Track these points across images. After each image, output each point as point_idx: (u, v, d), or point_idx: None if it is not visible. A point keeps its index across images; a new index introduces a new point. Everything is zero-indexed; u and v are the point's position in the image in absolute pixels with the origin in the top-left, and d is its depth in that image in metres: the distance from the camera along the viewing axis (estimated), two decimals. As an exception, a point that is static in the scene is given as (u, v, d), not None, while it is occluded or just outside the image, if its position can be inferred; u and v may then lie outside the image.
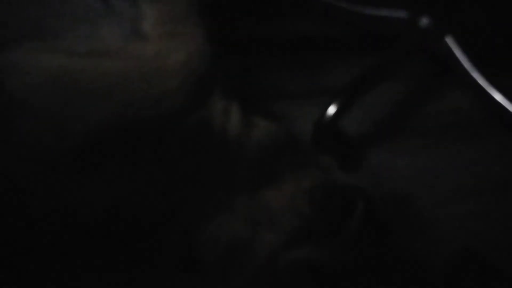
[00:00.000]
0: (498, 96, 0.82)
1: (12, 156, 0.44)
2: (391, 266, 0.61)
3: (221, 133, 0.49)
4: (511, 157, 0.81)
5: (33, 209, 0.48)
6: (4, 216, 0.47)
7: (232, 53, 0.87)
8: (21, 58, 0.44)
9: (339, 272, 0.53)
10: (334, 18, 0.92)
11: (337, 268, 0.52)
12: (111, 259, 0.54)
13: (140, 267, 0.56)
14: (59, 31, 0.46)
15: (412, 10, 0.87)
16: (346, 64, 0.91)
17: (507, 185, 0.78)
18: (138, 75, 0.44)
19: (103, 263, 0.53)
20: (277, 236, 0.50)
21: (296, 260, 0.51)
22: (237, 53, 0.90)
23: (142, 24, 0.45)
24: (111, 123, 0.43)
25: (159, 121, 0.45)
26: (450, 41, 0.86)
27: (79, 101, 0.43)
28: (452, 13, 0.87)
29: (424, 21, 0.86)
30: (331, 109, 0.78)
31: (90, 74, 0.43)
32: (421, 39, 0.86)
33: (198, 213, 0.51)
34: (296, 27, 0.95)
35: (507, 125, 0.82)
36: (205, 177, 0.50)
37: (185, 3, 0.46)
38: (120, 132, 0.44)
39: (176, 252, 0.55)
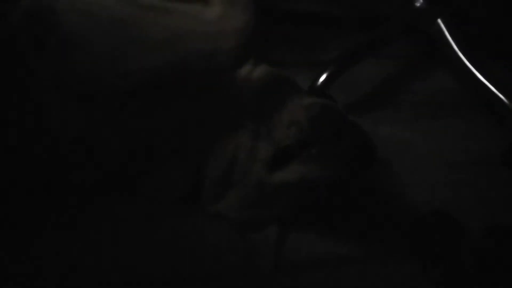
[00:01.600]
0: (482, 78, 0.87)
1: (67, 90, 0.50)
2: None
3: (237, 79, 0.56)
4: (489, 135, 0.86)
5: (73, 144, 0.54)
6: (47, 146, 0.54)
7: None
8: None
9: (329, 186, 0.58)
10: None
11: (328, 183, 0.57)
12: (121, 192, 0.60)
13: (144, 198, 0.62)
14: None
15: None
16: (341, 40, 0.96)
17: (482, 160, 0.82)
18: (199, 33, 0.52)
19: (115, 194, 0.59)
20: (271, 146, 0.56)
21: (290, 179, 0.56)
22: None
23: None
24: (167, 71, 0.51)
25: (207, 73, 0.53)
26: (441, 23, 0.90)
27: (140, 47, 0.50)
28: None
29: (419, 1, 0.90)
30: (322, 77, 0.83)
31: (154, 25, 0.51)
32: (414, 18, 0.91)
33: (207, 146, 0.57)
34: (297, 4, 1.00)
35: (490, 105, 0.86)
36: (217, 113, 0.56)
37: None
38: (172, 79, 0.52)
39: (180, 185, 0.60)
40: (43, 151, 0.55)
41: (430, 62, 0.96)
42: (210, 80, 0.55)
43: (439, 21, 0.90)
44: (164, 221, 0.66)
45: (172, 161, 0.60)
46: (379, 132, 0.84)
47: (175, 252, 0.64)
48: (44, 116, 0.53)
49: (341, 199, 0.66)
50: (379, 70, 0.94)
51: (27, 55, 0.51)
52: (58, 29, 0.49)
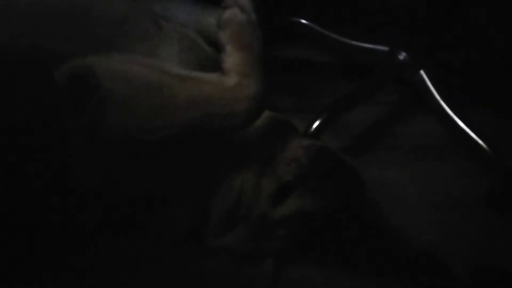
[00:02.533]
0: (462, 124, 0.94)
1: (98, 143, 0.56)
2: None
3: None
4: (469, 178, 0.92)
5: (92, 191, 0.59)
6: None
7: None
8: (116, 65, 0.58)
9: (326, 220, 0.64)
10: (324, 46, 1.05)
11: (325, 217, 0.63)
12: (125, 233, 0.65)
13: (148, 240, 0.66)
14: (129, 46, 0.62)
15: (393, 45, 1.00)
16: (331, 88, 1.03)
17: (464, 201, 0.88)
18: (218, 99, 0.60)
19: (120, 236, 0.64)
20: (274, 182, 0.62)
21: (289, 211, 0.62)
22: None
23: (224, 62, 0.63)
24: (188, 128, 0.59)
25: (221, 132, 0.61)
26: (424, 74, 0.98)
27: (168, 109, 0.58)
28: (427, 51, 1.00)
29: (402, 55, 0.98)
30: (316, 124, 0.89)
31: (180, 91, 0.58)
32: (398, 70, 0.99)
33: (213, 186, 0.63)
34: (288, 52, 1.08)
35: (469, 149, 0.93)
36: (224, 156, 0.62)
37: (257, 53, 0.63)
38: (192, 136, 0.60)
39: (184, 227, 0.65)
40: (65, 194, 0.59)
41: (416, 108, 1.03)
42: (225, 135, 0.63)
43: (422, 72, 0.98)
44: (167, 257, 0.70)
45: (178, 203, 0.65)
46: (368, 173, 0.89)
47: (174, 284, 0.68)
48: (72, 162, 0.58)
49: (334, 234, 0.71)
50: (368, 115, 1.01)
51: (65, 114, 0.56)
52: (96, 93, 0.55)
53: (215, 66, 0.64)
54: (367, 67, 1.03)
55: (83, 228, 0.64)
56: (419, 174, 0.92)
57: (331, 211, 0.65)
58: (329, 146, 0.66)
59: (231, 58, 0.62)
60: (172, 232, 0.67)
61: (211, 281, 0.67)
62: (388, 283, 0.73)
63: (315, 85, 1.05)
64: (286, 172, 0.64)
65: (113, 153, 0.58)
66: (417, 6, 0.97)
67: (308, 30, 1.05)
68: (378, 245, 0.78)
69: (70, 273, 0.66)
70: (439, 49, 1.03)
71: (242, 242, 0.65)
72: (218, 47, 0.64)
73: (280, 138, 0.67)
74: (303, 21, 1.06)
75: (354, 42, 1.03)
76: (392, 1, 1.06)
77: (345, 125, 0.96)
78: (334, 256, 0.74)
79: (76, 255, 0.67)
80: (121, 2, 0.66)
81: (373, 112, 1.02)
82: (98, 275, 0.67)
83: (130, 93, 0.56)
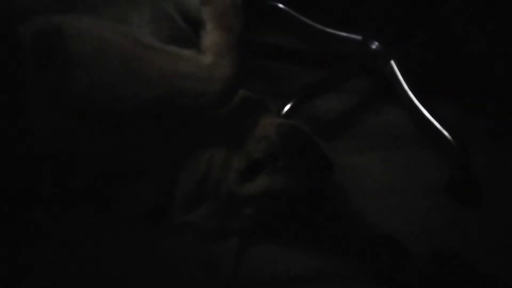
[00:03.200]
0: (428, 114, 0.96)
1: (60, 105, 0.54)
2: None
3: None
4: (433, 166, 0.95)
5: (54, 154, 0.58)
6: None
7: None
8: (86, 27, 0.56)
9: (293, 201, 0.64)
10: (299, 32, 1.05)
11: (292, 197, 0.64)
12: (85, 206, 0.64)
13: (110, 215, 0.66)
14: (96, 9, 0.60)
15: (366, 34, 1.02)
16: (302, 74, 1.04)
17: (427, 188, 0.91)
18: (191, 76, 0.59)
19: (84, 207, 0.63)
20: (244, 158, 0.62)
21: (258, 190, 0.62)
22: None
23: (203, 39, 0.62)
24: (157, 103, 0.58)
25: (191, 110, 0.60)
26: (394, 64, 1.00)
27: (138, 80, 0.57)
28: (398, 41, 1.02)
29: (375, 44, 1.00)
30: (287, 107, 0.90)
31: (152, 63, 0.57)
32: (370, 59, 1.01)
33: (179, 162, 0.62)
34: (262, 36, 1.08)
35: (434, 138, 0.96)
36: (191, 132, 0.62)
37: (237, 35, 0.63)
38: (160, 111, 0.59)
39: (147, 202, 0.65)
40: (22, 159, 0.58)
41: (384, 97, 1.06)
42: (194, 116, 0.63)
43: (392, 62, 1.00)
44: (129, 233, 0.69)
45: (142, 178, 0.64)
46: (335, 159, 0.91)
47: (136, 261, 0.67)
48: (31, 125, 0.56)
49: (299, 214, 0.72)
50: (338, 103, 1.02)
51: (28, 71, 0.55)
52: (63, 52, 0.54)
53: (188, 40, 0.63)
54: (340, 55, 1.05)
55: (39, 196, 0.63)
56: (384, 161, 0.94)
57: (298, 191, 0.65)
58: (301, 126, 0.67)
59: (211, 36, 0.62)
60: (135, 207, 0.67)
61: (174, 258, 0.67)
62: (351, 264, 0.75)
63: (286, 70, 1.06)
64: (256, 149, 0.64)
65: (75, 117, 0.56)
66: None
67: (283, 15, 1.05)
68: (342, 227, 0.80)
69: (28, 246, 0.65)
70: (410, 41, 1.05)
71: (208, 219, 0.65)
72: (193, 24, 0.64)
73: (252, 116, 0.67)
74: (280, 5, 1.06)
75: (328, 30, 1.04)
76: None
77: (315, 111, 0.97)
78: (298, 236, 0.75)
79: (33, 226, 0.66)
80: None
81: (343, 100, 1.03)
82: (56, 250, 0.66)
83: (99, 58, 0.55)
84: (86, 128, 0.57)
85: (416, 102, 0.97)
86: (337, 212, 0.81)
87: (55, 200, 0.63)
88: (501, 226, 0.87)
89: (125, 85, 0.56)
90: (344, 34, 1.04)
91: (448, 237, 0.84)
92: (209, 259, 0.67)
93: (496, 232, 0.86)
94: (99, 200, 0.65)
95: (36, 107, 0.56)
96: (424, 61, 1.10)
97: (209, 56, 0.60)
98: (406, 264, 0.75)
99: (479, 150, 0.97)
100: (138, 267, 0.67)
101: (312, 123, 0.96)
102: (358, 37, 1.03)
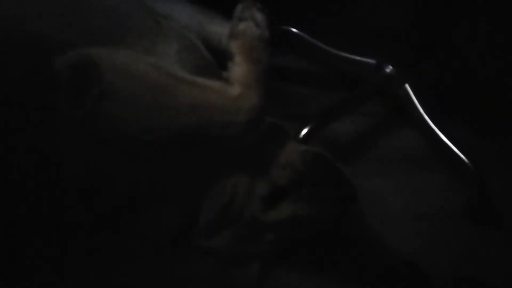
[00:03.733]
0: (444, 138, 0.96)
1: (92, 136, 0.56)
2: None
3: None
4: (449, 190, 0.94)
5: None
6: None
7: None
8: (121, 60, 0.58)
9: (317, 226, 0.64)
10: (313, 56, 1.07)
11: (316, 223, 0.64)
12: (110, 232, 0.64)
13: (134, 240, 0.66)
14: (127, 42, 0.62)
15: (380, 58, 1.03)
16: (317, 98, 1.04)
17: (444, 212, 0.91)
18: (219, 107, 0.60)
19: (109, 234, 0.64)
20: (268, 185, 0.62)
21: (282, 217, 0.62)
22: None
23: (230, 71, 0.64)
24: (186, 133, 0.59)
25: (218, 140, 0.61)
26: (408, 88, 1.01)
27: (167, 111, 0.58)
28: (412, 65, 1.02)
29: (389, 68, 1.01)
30: (303, 133, 0.90)
31: (182, 95, 0.59)
32: (384, 83, 1.01)
33: (203, 189, 0.63)
34: (276, 60, 1.09)
35: (450, 162, 0.96)
36: (217, 159, 0.63)
37: (264, 68, 0.65)
38: (188, 141, 0.60)
39: (170, 228, 0.65)
40: (49, 185, 0.58)
41: (399, 120, 1.06)
42: (220, 145, 0.63)
43: (407, 85, 1.01)
44: (152, 257, 0.69)
45: (166, 203, 0.64)
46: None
47: (158, 285, 0.67)
48: (61, 152, 0.57)
49: (322, 240, 0.72)
50: (351, 126, 1.03)
51: (62, 102, 0.56)
52: (98, 84, 0.55)
53: (211, 68, 0.64)
54: (354, 79, 1.05)
55: (64, 225, 0.63)
56: (401, 185, 0.94)
57: (322, 219, 0.65)
58: (326, 154, 0.67)
59: (239, 69, 0.63)
60: (158, 232, 0.67)
61: (195, 283, 0.67)
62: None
63: (301, 94, 1.06)
64: (280, 176, 0.64)
65: (106, 148, 0.57)
66: (405, 22, 1.00)
67: (297, 39, 1.07)
68: (361, 253, 0.79)
69: (54, 272, 0.65)
70: (425, 65, 1.06)
71: (230, 245, 0.65)
72: (216, 54, 0.65)
73: (276, 142, 0.67)
74: (293, 29, 1.07)
75: (342, 54, 1.05)
76: (381, 16, 1.09)
77: (329, 135, 0.98)
78: (319, 262, 0.75)
79: (59, 254, 0.66)
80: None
81: (357, 123, 1.04)
82: (82, 275, 0.66)
83: (133, 90, 0.56)
84: (114, 156, 0.58)
85: (432, 125, 0.97)
86: (355, 237, 0.81)
87: (80, 225, 0.63)
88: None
89: (156, 117, 0.57)
90: (358, 58, 1.05)
91: (468, 262, 0.83)
92: (230, 285, 0.66)
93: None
94: (123, 225, 0.65)
95: (67, 136, 0.57)
96: (438, 84, 1.10)
97: (237, 88, 0.62)
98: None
99: (494, 173, 0.96)
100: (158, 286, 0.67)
101: (326, 147, 0.96)
102: (372, 61, 1.04)
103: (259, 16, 0.66)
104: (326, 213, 0.65)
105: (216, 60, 0.69)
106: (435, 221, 0.89)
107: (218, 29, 0.72)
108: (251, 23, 0.65)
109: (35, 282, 0.63)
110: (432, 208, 0.91)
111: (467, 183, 0.92)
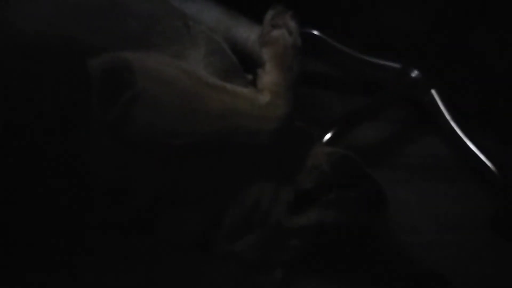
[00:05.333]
0: (471, 145, 0.94)
1: (121, 139, 0.56)
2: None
3: None
4: (474, 199, 0.92)
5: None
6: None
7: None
8: (153, 65, 0.57)
9: (344, 233, 0.62)
10: (336, 60, 1.04)
11: (343, 230, 0.62)
12: (132, 235, 0.64)
13: (157, 243, 0.65)
14: (157, 46, 0.61)
15: (405, 62, 1.00)
16: (340, 102, 1.02)
17: (470, 222, 0.88)
18: (248, 114, 0.59)
19: (134, 239, 0.63)
20: (293, 190, 0.60)
21: (309, 222, 0.61)
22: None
23: (261, 78, 0.63)
24: (214, 139, 0.58)
25: (245, 147, 0.60)
26: (435, 93, 0.98)
27: (197, 116, 0.57)
28: (439, 69, 1.00)
29: (415, 73, 0.98)
30: (326, 138, 0.88)
31: (212, 101, 0.58)
32: (410, 88, 0.98)
33: (230, 193, 0.61)
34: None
35: (476, 171, 0.93)
36: (244, 164, 0.62)
37: (294, 76, 0.64)
38: (216, 147, 0.59)
39: (193, 231, 0.64)
40: (76, 186, 0.58)
41: (423, 127, 1.03)
42: (248, 151, 0.62)
43: (433, 91, 0.98)
44: (175, 261, 0.68)
45: (191, 208, 0.63)
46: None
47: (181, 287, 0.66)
48: (89, 154, 0.57)
49: (351, 248, 0.70)
50: (374, 132, 1.00)
51: (93, 105, 0.55)
52: (130, 88, 0.55)
53: (237, 72, 0.63)
54: (378, 83, 1.03)
55: (87, 227, 0.62)
56: (426, 194, 0.91)
57: (350, 226, 0.63)
58: (353, 155, 0.66)
59: (270, 76, 0.62)
60: (181, 236, 0.66)
61: (218, 287, 0.66)
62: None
63: (324, 98, 1.04)
64: (306, 180, 0.63)
65: (134, 152, 0.57)
66: (431, 25, 0.98)
67: (320, 43, 1.04)
68: (386, 263, 0.77)
69: (75, 274, 0.64)
70: (451, 70, 1.03)
71: (253, 249, 0.64)
72: (241, 58, 0.64)
73: (302, 146, 0.66)
74: (316, 32, 1.05)
75: (366, 57, 1.02)
76: (406, 19, 1.06)
77: (351, 140, 0.95)
78: (342, 270, 0.73)
79: (81, 255, 0.66)
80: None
81: (380, 129, 1.01)
82: (103, 277, 0.65)
83: (163, 95, 0.55)
84: (141, 159, 0.57)
85: (459, 133, 0.94)
86: (380, 246, 0.79)
87: (104, 227, 0.63)
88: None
89: (185, 122, 0.56)
90: (383, 62, 1.02)
91: (495, 274, 0.80)
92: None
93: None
94: (148, 228, 0.65)
95: (96, 138, 0.56)
96: (464, 90, 1.07)
97: (266, 95, 0.61)
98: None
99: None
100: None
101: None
102: (397, 65, 1.01)
103: (292, 24, 0.65)
104: (353, 220, 0.63)
105: (242, 64, 0.68)
106: (461, 232, 0.86)
107: (245, 33, 0.71)
108: (284, 31, 0.64)
109: (53, 283, 0.63)
110: (458, 219, 0.88)
111: (495, 193, 0.90)
